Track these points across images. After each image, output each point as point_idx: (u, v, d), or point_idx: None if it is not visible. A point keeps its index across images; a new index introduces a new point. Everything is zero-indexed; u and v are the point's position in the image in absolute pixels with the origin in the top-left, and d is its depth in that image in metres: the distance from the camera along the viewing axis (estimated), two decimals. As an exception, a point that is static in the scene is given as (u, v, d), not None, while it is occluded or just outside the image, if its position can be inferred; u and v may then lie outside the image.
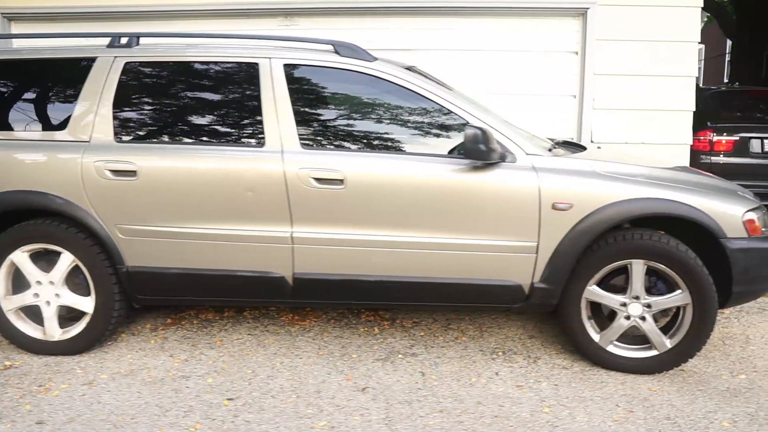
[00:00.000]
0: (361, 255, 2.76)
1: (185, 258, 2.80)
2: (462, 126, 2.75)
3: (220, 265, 2.80)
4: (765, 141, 5.90)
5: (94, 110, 2.78)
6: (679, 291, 2.75)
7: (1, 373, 2.75)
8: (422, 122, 2.84)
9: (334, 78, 2.86)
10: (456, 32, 4.88)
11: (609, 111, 4.82)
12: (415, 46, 4.88)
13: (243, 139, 2.78)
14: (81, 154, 2.72)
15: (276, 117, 2.75)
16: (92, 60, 2.84)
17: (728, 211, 2.75)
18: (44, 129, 2.80)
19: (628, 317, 2.82)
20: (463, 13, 4.84)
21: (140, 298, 2.89)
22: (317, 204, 2.72)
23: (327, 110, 2.86)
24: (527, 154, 2.77)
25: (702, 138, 6.05)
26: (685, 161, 4.81)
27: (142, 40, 2.97)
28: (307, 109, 2.81)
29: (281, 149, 2.73)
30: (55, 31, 4.54)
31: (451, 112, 2.79)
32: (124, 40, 2.91)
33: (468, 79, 4.88)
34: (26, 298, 2.85)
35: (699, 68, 20.52)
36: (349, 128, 2.84)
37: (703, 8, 4.92)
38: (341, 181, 2.70)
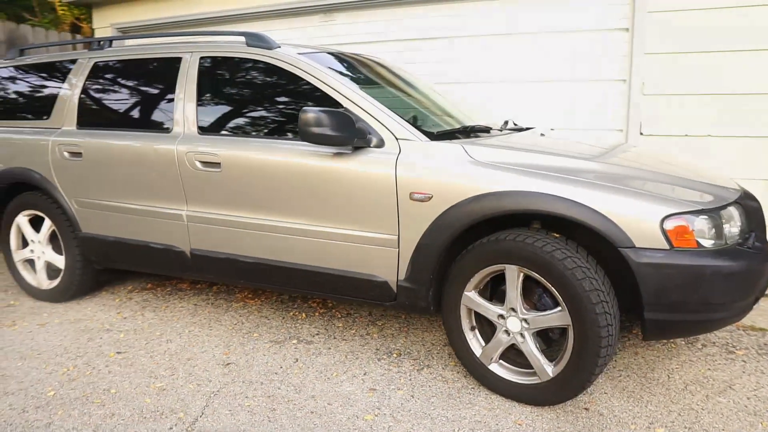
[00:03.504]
0: (238, 236, 2.86)
1: (117, 228, 3.23)
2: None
3: (141, 237, 3.17)
4: None
5: (67, 102, 3.38)
6: (558, 308, 2.26)
7: (4, 310, 3.53)
8: (307, 106, 2.80)
9: (240, 67, 3.00)
10: (491, 17, 4.53)
11: (662, 97, 3.98)
12: (451, 34, 4.68)
13: (161, 125, 3.08)
14: (51, 137, 3.34)
15: (183, 104, 3.01)
16: (74, 61, 3.45)
17: (638, 214, 2.15)
18: (36, 118, 3.49)
19: (508, 332, 2.41)
20: (496, -5, 4.47)
21: (94, 260, 3.43)
22: (203, 185, 2.90)
23: (226, 97, 3.01)
24: (398, 139, 2.55)
25: None
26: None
27: (116, 42, 3.50)
28: (209, 97, 2.99)
29: (182, 134, 2.98)
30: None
31: (330, 97, 2.70)
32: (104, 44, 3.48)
33: (504, 66, 4.52)
34: (26, 253, 3.61)
35: None
36: (240, 114, 2.95)
37: None
38: (218, 164, 2.84)
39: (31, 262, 3.65)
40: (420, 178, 2.45)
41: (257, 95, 2.96)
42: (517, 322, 2.38)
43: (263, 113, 2.92)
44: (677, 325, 2.22)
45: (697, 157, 3.80)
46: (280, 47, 2.93)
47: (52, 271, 3.59)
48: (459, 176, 2.39)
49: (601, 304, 2.16)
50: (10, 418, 2.35)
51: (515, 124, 3.52)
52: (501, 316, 2.41)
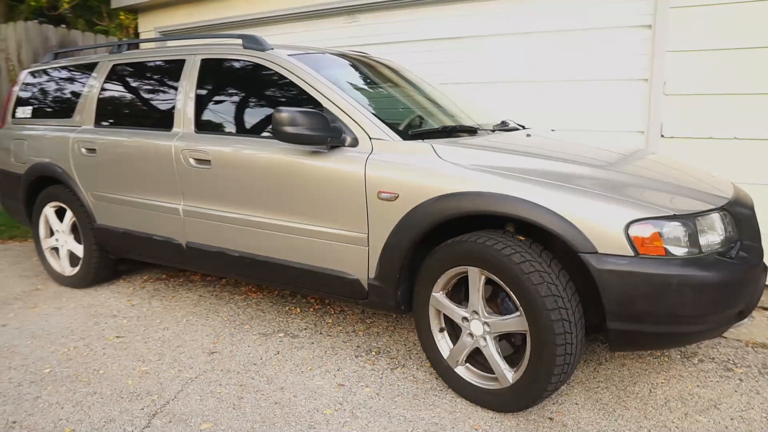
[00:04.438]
0: (226, 230, 2.97)
1: (126, 220, 3.43)
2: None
3: (145, 229, 3.35)
4: None
5: (87, 101, 3.62)
6: (517, 313, 2.21)
7: (31, 293, 3.83)
8: (291, 106, 2.87)
9: (235, 68, 3.11)
10: (508, 15, 4.44)
11: (684, 97, 3.77)
12: (469, 34, 4.62)
13: (164, 123, 3.24)
14: (72, 134, 3.60)
15: (183, 103, 3.16)
16: (97, 63, 3.69)
17: (602, 218, 2.07)
18: (62, 116, 3.76)
19: (472, 335, 2.38)
20: (514, -7, 4.38)
21: (108, 250, 3.65)
22: (196, 181, 3.04)
23: (221, 97, 3.12)
24: (371, 138, 2.57)
25: None
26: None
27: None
28: (206, 96, 3.12)
29: (181, 132, 3.13)
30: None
31: (312, 97, 2.76)
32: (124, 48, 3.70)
33: (523, 66, 4.42)
34: (52, 242, 3.90)
35: None
36: (232, 113, 3.05)
37: None
38: (209, 162, 2.96)
39: (56, 250, 3.94)
40: (387, 178, 2.46)
41: (249, 95, 3.06)
42: (479, 326, 2.34)
43: (253, 112, 3.01)
44: (643, 336, 2.12)
45: (721, 161, 3.58)
46: (272, 49, 3.02)
47: (74, 259, 3.86)
48: (424, 176, 2.38)
49: (558, 311, 2.09)
50: (6, 390, 2.56)
51: (519, 125, 3.46)
52: (465, 318, 2.39)
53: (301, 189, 2.69)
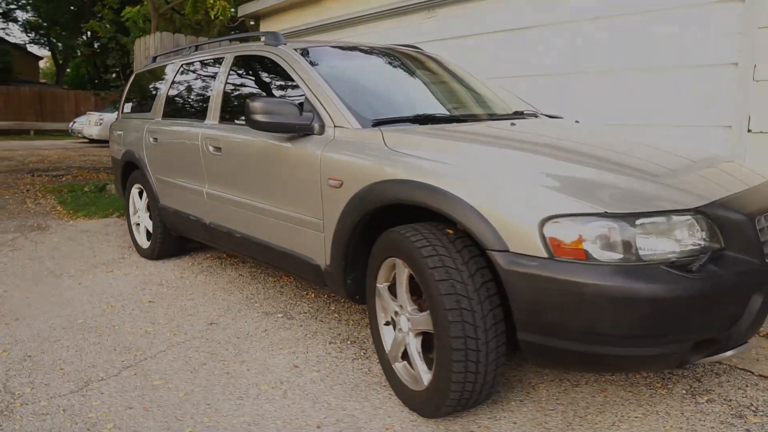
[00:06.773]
0: (231, 212, 3.21)
1: (176, 201, 3.87)
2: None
3: (185, 210, 3.75)
4: None
5: (160, 97, 4.16)
6: (428, 311, 2.05)
7: (116, 260, 4.51)
8: (289, 96, 2.99)
9: (255, 63, 3.34)
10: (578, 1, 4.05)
11: (775, 83, 3.08)
12: (538, 23, 4.34)
13: (201, 115, 3.59)
14: (145, 126, 4.16)
15: (214, 96, 3.47)
16: (173, 63, 4.22)
17: (515, 212, 1.85)
18: (146, 110, 4.36)
19: (402, 330, 2.27)
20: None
21: (169, 228, 4.14)
22: (213, 167, 3.32)
23: (240, 89, 3.36)
24: (335, 126, 2.58)
25: None
26: None
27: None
28: (231, 89, 3.40)
29: (209, 123, 3.44)
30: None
31: (299, 87, 2.85)
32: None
33: (591, 55, 4.01)
34: (135, 218, 4.54)
35: None
36: (241, 102, 3.27)
37: None
38: (221, 149, 3.21)
39: (138, 226, 4.58)
40: (335, 165, 2.45)
41: (261, 87, 3.26)
42: (405, 321, 2.22)
43: (257, 103, 3.20)
44: (558, 353, 1.83)
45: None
46: (285, 44, 3.17)
47: (148, 234, 4.44)
48: (366, 163, 2.34)
49: (460, 312, 1.90)
50: (43, 332, 3.08)
51: (550, 116, 3.21)
52: (396, 312, 2.28)
53: (275, 174, 2.80)
